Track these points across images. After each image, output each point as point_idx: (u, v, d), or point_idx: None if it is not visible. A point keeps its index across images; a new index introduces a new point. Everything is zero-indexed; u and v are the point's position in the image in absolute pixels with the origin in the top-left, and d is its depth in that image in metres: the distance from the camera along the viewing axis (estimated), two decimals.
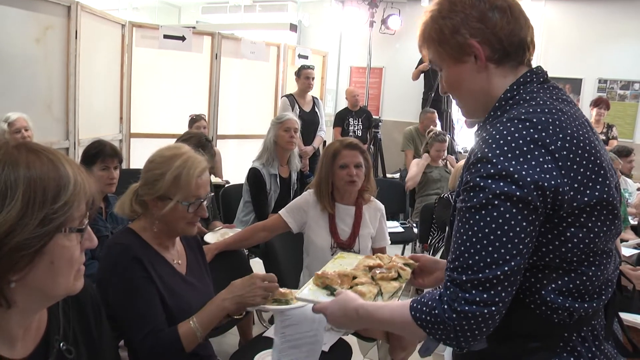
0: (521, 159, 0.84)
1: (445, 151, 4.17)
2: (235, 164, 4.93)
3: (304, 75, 4.67)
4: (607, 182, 0.88)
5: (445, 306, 0.86)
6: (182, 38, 4.77)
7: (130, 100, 4.68)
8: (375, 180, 2.35)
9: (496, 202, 0.84)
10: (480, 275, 0.84)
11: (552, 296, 0.89)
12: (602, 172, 0.88)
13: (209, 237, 2.48)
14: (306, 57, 5.96)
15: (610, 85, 6.15)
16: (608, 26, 6.04)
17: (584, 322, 0.92)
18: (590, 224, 0.87)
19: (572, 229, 0.87)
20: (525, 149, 0.84)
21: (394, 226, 3.52)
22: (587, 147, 0.87)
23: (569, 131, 0.87)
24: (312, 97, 4.83)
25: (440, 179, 3.98)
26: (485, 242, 0.84)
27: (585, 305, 0.90)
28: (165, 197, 1.42)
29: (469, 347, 0.89)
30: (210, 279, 1.63)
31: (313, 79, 4.71)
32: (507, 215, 0.83)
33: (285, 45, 5.81)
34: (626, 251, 2.70)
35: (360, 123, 5.70)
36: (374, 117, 5.87)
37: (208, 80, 5.11)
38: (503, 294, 0.84)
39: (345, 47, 7.33)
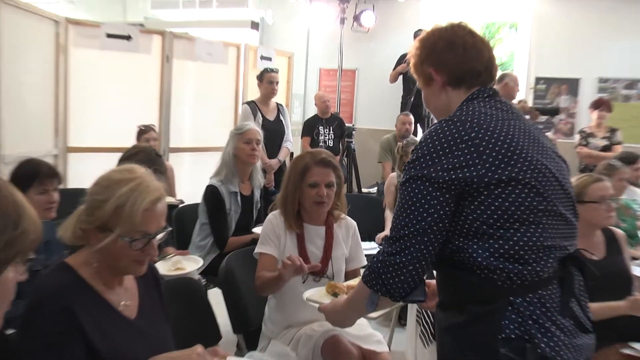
0: (441, 153, 1.25)
1: None
2: (191, 181, 4.89)
3: (266, 79, 4.69)
4: (520, 165, 1.23)
5: (375, 258, 1.30)
6: (128, 37, 4.74)
7: (67, 109, 4.60)
8: (349, 195, 2.37)
9: (411, 181, 1.27)
10: (394, 232, 1.27)
11: (489, 260, 1.21)
12: (515, 157, 1.24)
13: (160, 266, 2.45)
14: (269, 59, 5.99)
15: (613, 85, 6.19)
16: (608, 21, 6.09)
17: (528, 289, 1.22)
18: (504, 195, 1.22)
19: (489, 200, 1.22)
20: (445, 144, 1.25)
21: (371, 247, 3.53)
22: (502, 138, 1.25)
23: (485, 126, 1.26)
24: (277, 104, 4.86)
25: None
26: (403, 209, 1.27)
27: (520, 267, 1.21)
28: (105, 228, 1.36)
29: (403, 299, 1.27)
30: (168, 322, 1.59)
31: (277, 83, 4.74)
32: (417, 191, 1.25)
33: (246, 45, 5.83)
34: (638, 271, 2.67)
35: (331, 132, 5.76)
36: (346, 125, 5.93)
37: (158, 86, 5.08)
38: (412, 249, 1.24)
39: (313, 47, 7.41)
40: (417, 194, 1.25)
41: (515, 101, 4.89)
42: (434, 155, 1.25)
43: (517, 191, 1.22)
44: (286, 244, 2.18)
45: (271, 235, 2.18)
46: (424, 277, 1.30)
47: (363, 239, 2.45)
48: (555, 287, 1.25)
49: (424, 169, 1.25)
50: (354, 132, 5.52)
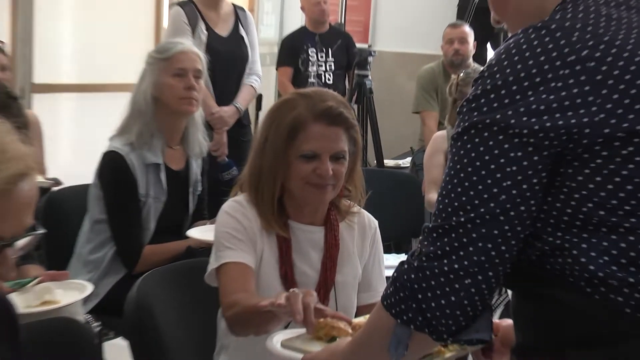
0: (526, 84, 1.25)
1: None
2: (74, 145, 4.95)
3: None
4: None
5: (405, 266, 1.31)
6: None
7: None
8: (363, 172, 2.40)
9: (474, 132, 1.27)
10: (442, 220, 1.28)
11: (610, 268, 1.20)
12: None
13: (17, 299, 2.43)
14: None
15: None
16: None
17: None
18: (639, 159, 1.21)
19: (612, 166, 1.22)
20: (534, 69, 1.25)
21: None
22: (638, 59, 1.24)
23: (607, 38, 1.25)
24: (234, 6, 4.87)
25: None
26: (458, 179, 1.28)
27: None
28: None
29: (454, 337, 1.27)
30: None
31: None
32: (482, 149, 1.26)
33: None
34: None
35: (330, 58, 5.80)
36: (358, 46, 5.98)
37: None
38: (472, 248, 1.24)
39: None
40: (482, 154, 1.26)
41: None
42: (514, 87, 1.26)
43: None
44: (263, 252, 2.20)
45: (238, 235, 2.18)
46: (491, 304, 1.32)
47: (387, 250, 2.47)
48: None
49: (496, 110, 1.26)
50: (370, 59, 5.50)
